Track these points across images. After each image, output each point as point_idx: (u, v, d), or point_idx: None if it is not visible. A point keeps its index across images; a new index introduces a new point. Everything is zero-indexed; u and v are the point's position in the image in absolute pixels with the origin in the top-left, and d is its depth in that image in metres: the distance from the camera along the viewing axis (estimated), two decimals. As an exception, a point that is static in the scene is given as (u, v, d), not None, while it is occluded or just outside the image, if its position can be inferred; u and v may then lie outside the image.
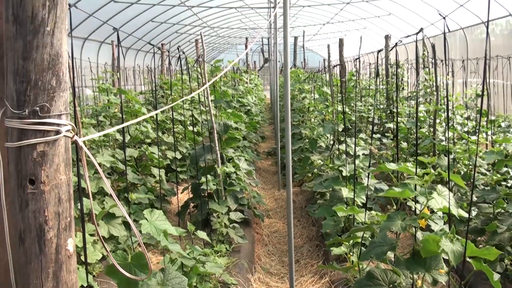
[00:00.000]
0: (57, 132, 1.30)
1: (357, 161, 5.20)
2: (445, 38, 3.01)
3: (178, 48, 4.80)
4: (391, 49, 3.65)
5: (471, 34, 14.79)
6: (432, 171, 2.93)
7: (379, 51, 4.20)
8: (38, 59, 1.27)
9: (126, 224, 4.97)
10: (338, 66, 7.90)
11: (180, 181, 7.71)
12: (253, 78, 16.45)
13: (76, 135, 1.40)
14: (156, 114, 6.85)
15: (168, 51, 18.17)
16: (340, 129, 6.18)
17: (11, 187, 1.30)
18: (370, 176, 4.81)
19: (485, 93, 7.70)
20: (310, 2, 19.47)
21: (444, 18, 2.66)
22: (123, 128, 3.99)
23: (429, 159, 3.20)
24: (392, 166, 3.05)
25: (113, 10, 14.65)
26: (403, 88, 11.74)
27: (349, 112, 7.82)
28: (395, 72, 10.23)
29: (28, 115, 1.26)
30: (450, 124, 6.59)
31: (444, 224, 3.21)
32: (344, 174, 5.08)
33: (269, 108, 20.29)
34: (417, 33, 2.96)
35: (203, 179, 5.27)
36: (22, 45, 1.26)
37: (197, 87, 9.36)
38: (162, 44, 14.16)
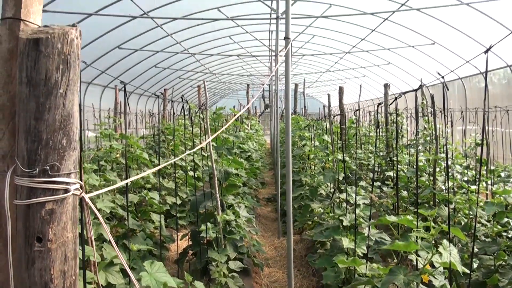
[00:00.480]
0: (66, 191, 1.33)
1: (357, 210, 5.20)
2: (444, 96, 3.08)
3: (182, 98, 4.90)
4: (391, 103, 3.71)
5: (469, 83, 15.03)
6: (433, 224, 2.94)
7: (378, 104, 4.28)
8: (50, 119, 1.31)
9: (123, 271, 4.92)
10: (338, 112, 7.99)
11: (179, 227, 7.67)
12: (254, 124, 16.60)
13: (82, 188, 1.43)
14: (158, 158, 6.88)
15: (171, 96, 18.43)
16: (341, 178, 6.21)
17: (18, 244, 1.32)
18: (371, 227, 4.80)
19: (484, 142, 7.76)
20: (310, 51, 19.87)
21: (443, 77, 2.73)
22: (126, 175, 4.03)
23: (429, 212, 3.21)
24: (393, 218, 3.05)
25: (117, 56, 14.94)
26: (402, 136, 11.83)
27: (350, 161, 7.86)
28: (394, 120, 10.36)
29: (38, 173, 1.30)
30: (450, 174, 6.61)
31: (445, 279, 3.18)
32: (344, 223, 5.06)
33: (269, 153, 20.38)
34: (416, 90, 3.03)
35: (203, 226, 5.26)
36: (34, 106, 1.31)
37: (199, 131, 9.45)
38: (164, 90, 14.37)
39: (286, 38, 4.56)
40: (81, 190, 1.40)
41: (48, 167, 1.30)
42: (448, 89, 2.77)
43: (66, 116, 1.34)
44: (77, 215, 1.39)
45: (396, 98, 3.48)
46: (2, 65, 1.48)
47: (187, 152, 2.77)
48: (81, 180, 1.44)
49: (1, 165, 1.43)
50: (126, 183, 5.08)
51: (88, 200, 1.46)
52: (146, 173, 1.85)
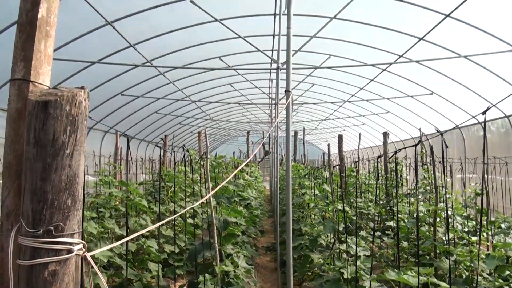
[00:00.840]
0: (69, 251, 1.34)
1: (358, 262, 5.14)
2: (442, 148, 3.12)
3: (183, 147, 4.94)
4: (391, 157, 3.75)
5: (467, 131, 15.15)
6: (433, 279, 2.92)
7: (378, 157, 4.31)
8: (56, 180, 1.33)
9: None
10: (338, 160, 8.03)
11: (176, 276, 7.56)
12: (253, 171, 16.60)
13: (84, 248, 1.43)
14: (159, 206, 6.86)
15: (172, 142, 18.57)
16: (341, 228, 6.17)
17: (20, 305, 1.31)
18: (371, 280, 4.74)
19: (484, 192, 7.75)
20: (310, 99, 20.14)
21: (441, 134, 2.78)
22: (126, 225, 4.03)
23: (427, 270, 3.19)
24: (393, 275, 3.03)
25: (119, 102, 15.13)
26: (402, 184, 11.83)
27: (349, 211, 7.83)
28: (394, 169, 10.39)
29: (42, 234, 1.31)
30: (450, 225, 6.58)
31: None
32: (345, 276, 5.00)
33: (268, 200, 20.28)
34: (415, 145, 3.07)
35: (201, 277, 5.19)
36: (41, 166, 1.33)
37: (198, 178, 9.45)
38: (165, 136, 14.47)
39: (287, 91, 4.64)
40: (84, 250, 1.41)
41: (52, 227, 1.32)
42: (447, 147, 2.81)
43: (72, 177, 1.36)
44: (79, 275, 1.40)
45: (395, 152, 3.52)
46: (10, 124, 1.52)
47: (190, 206, 2.78)
48: (83, 238, 1.45)
49: (5, 223, 1.44)
50: (126, 231, 5.05)
51: (90, 259, 1.46)
52: (146, 230, 1.85)
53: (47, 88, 1.55)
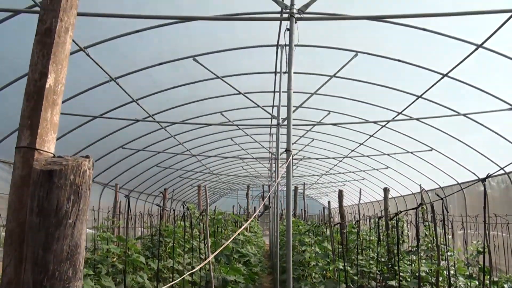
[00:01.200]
0: (67, 325, 1.32)
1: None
2: (443, 209, 3.11)
3: (183, 205, 4.93)
4: (391, 218, 3.72)
5: (468, 188, 15.11)
6: None
7: (379, 217, 4.30)
8: (58, 250, 1.33)
9: None
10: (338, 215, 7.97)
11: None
12: (253, 226, 16.45)
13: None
14: (157, 264, 6.75)
15: (172, 195, 18.52)
16: (342, 288, 6.06)
17: None
18: None
19: (486, 250, 7.65)
20: (310, 154, 20.23)
21: (442, 199, 2.79)
22: (124, 283, 3.96)
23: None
24: None
25: (120, 155, 15.19)
26: (403, 241, 11.69)
27: (351, 270, 7.70)
28: (395, 225, 10.30)
29: (42, 306, 1.29)
30: (453, 286, 6.46)
31: None
32: None
33: (268, 255, 19.96)
34: (416, 208, 3.07)
35: None
36: (44, 236, 1.33)
37: (198, 233, 9.36)
38: (164, 189, 14.43)
39: (288, 151, 4.68)
40: (82, 321, 1.39)
41: (52, 299, 1.30)
42: (448, 212, 2.80)
43: (73, 246, 1.36)
44: None
45: (396, 214, 3.51)
46: (14, 191, 1.53)
47: (191, 272, 2.74)
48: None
49: (5, 292, 1.43)
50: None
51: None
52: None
53: (52, 155, 1.57)
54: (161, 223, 12.05)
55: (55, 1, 1.65)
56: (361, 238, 12.32)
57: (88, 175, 1.44)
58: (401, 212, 3.19)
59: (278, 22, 8.45)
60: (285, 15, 5.77)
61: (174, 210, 7.27)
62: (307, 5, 5.66)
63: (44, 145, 1.57)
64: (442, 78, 9.77)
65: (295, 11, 5.39)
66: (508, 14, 6.79)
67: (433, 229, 6.62)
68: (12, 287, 1.42)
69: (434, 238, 7.01)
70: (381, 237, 11.11)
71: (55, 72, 1.62)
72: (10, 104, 8.82)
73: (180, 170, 20.65)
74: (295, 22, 5.40)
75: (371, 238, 12.72)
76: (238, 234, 9.71)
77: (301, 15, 5.46)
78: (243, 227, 3.16)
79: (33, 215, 1.36)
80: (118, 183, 14.07)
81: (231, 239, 2.69)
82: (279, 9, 7.14)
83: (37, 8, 6.58)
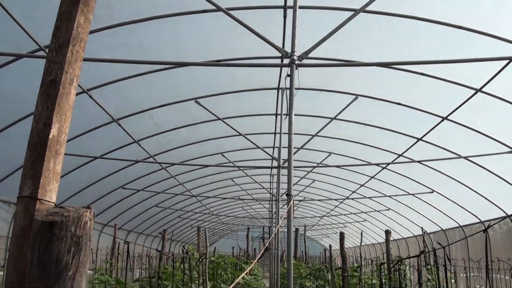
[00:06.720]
0: None
1: None
2: (445, 256, 3.09)
3: (182, 249, 4.89)
4: (393, 266, 3.68)
5: (469, 230, 14.97)
6: None
7: (381, 264, 4.25)
8: (56, 303, 1.32)
9: None
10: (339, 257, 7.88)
11: None
12: (253, 268, 16.20)
13: None
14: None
15: (171, 235, 18.36)
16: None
17: None
18: None
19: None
20: (310, 195, 20.17)
21: (444, 247, 2.77)
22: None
23: None
24: None
25: (119, 195, 15.12)
26: (406, 285, 11.52)
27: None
28: (397, 268, 10.15)
29: None
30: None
31: None
32: None
33: (268, 299, 19.59)
34: (418, 256, 3.05)
35: None
36: (43, 289, 1.33)
37: (197, 276, 9.23)
38: (164, 230, 14.32)
39: (288, 195, 4.67)
40: None
41: None
42: (450, 261, 2.78)
43: (72, 300, 1.35)
44: None
45: (398, 262, 3.48)
46: (15, 242, 1.52)
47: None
48: None
49: None
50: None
51: None
52: None
53: (54, 205, 1.58)
54: (160, 265, 11.91)
55: (60, 54, 1.70)
56: (363, 282, 12.14)
57: (89, 226, 1.45)
58: (403, 259, 3.16)
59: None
60: (286, 61, 5.87)
61: (173, 254, 7.19)
62: (307, 52, 5.76)
63: (46, 194, 1.58)
64: (442, 121, 9.84)
65: (295, 57, 5.49)
66: (506, 61, 6.90)
67: (436, 273, 6.54)
68: None
69: (437, 282, 6.92)
70: (383, 281, 10.95)
71: (59, 123, 1.65)
72: (12, 144, 8.87)
73: (180, 210, 20.54)
74: (296, 69, 5.49)
75: (373, 281, 12.54)
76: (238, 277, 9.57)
77: (302, 62, 5.56)
78: (244, 273, 3.13)
79: (33, 266, 1.36)
80: (117, 224, 13.98)
81: (232, 286, 2.65)
82: (280, 54, 7.27)
83: (41, 53, 6.70)
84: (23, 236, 1.52)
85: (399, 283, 6.03)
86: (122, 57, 6.96)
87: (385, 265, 10.17)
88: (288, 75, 5.48)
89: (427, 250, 8.24)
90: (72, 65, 1.70)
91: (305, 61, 5.69)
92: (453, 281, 10.25)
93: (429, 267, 9.06)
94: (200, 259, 6.50)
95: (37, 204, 1.55)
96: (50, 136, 1.61)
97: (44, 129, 1.62)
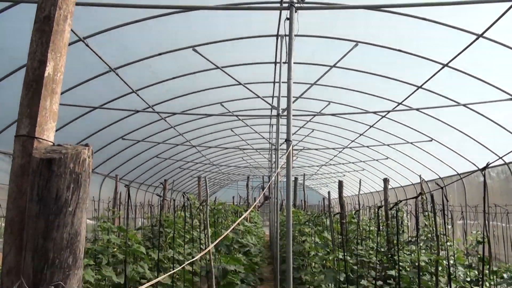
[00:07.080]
0: (68, 312, 1.32)
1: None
2: (443, 200, 3.12)
3: (183, 195, 4.94)
4: (391, 208, 3.72)
5: (468, 178, 15.13)
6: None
7: (379, 207, 4.30)
8: (58, 238, 1.33)
9: None
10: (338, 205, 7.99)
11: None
12: (253, 216, 16.48)
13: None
14: (158, 254, 6.78)
15: (172, 186, 18.50)
16: (342, 278, 6.08)
17: None
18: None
19: (486, 240, 7.67)
20: (310, 145, 20.23)
21: (442, 188, 2.79)
22: (125, 273, 3.99)
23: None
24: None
25: (119, 146, 15.18)
26: (403, 231, 11.72)
27: (351, 260, 7.73)
28: (395, 215, 10.31)
29: (42, 293, 1.30)
30: (452, 275, 6.48)
31: None
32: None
33: (268, 246, 20.01)
34: (416, 197, 3.07)
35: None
36: (44, 224, 1.33)
37: (198, 224, 9.38)
38: (164, 180, 14.45)
39: (287, 141, 4.68)
40: (83, 309, 1.39)
41: (52, 287, 1.31)
42: (448, 200, 2.81)
43: (73, 234, 1.36)
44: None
45: (396, 204, 3.52)
46: (14, 180, 1.53)
47: (189, 254, 2.74)
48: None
49: (5, 280, 1.43)
50: (125, 280, 4.98)
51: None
52: (147, 285, 1.82)
53: (52, 144, 1.57)
54: (161, 213, 12.09)
55: (53, -12, 1.64)
56: (361, 228, 12.35)
57: (88, 164, 1.44)
58: (400, 201, 3.21)
59: (278, 12, 8.41)
60: (285, 5, 5.74)
61: (174, 200, 7.28)
62: (307, -5, 5.63)
63: (43, 133, 1.57)
64: (442, 68, 9.75)
65: (295, 0, 5.36)
66: (509, 4, 6.75)
67: (433, 219, 6.64)
68: (12, 276, 1.43)
69: (434, 228, 7.04)
70: (380, 227, 11.14)
71: (54, 60, 1.61)
72: (9, 95, 8.79)
73: (180, 161, 20.68)
74: (295, 12, 5.38)
75: (371, 228, 12.76)
76: (238, 224, 9.74)
77: (301, 4, 5.44)
78: (242, 217, 3.16)
79: (33, 203, 1.36)
80: (118, 174, 14.08)
81: (231, 228, 2.69)
82: (279, -2, 7.11)
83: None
84: (22, 175, 1.52)
85: (396, 228, 6.12)
86: (118, 1, 6.78)
87: (383, 210, 10.31)
88: (287, 18, 5.37)
89: (424, 194, 8.33)
90: (66, 1, 1.65)
91: (304, 5, 5.56)
92: (449, 226, 10.42)
93: (426, 214, 9.19)
94: (201, 206, 6.59)
95: (34, 142, 1.54)
96: (46, 74, 1.58)
97: (39, 66, 1.59)
